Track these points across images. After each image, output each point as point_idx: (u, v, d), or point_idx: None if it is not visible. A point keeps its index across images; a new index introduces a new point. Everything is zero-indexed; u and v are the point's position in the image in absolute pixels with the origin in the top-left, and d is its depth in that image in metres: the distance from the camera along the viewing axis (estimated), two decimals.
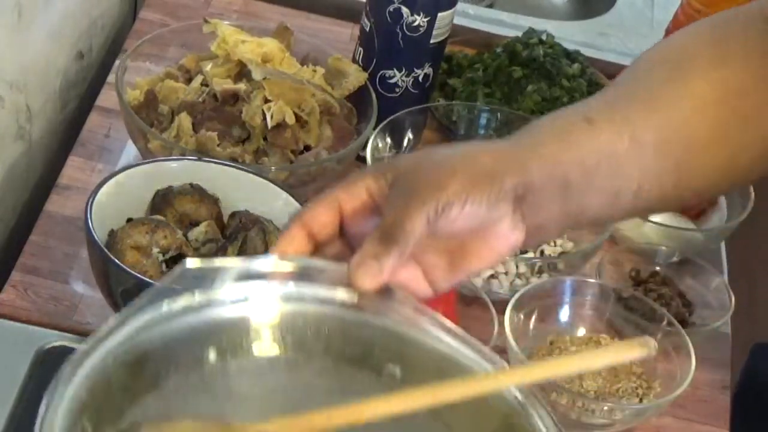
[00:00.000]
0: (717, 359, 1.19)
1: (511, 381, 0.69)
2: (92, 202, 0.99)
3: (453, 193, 0.70)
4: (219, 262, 0.69)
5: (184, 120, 1.14)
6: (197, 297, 0.67)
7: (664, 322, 1.12)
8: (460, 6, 1.27)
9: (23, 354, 0.98)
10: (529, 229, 0.74)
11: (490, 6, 1.72)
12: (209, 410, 0.67)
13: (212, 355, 0.68)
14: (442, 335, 0.71)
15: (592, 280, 1.16)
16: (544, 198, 0.74)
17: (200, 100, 1.17)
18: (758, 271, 2.51)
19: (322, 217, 0.72)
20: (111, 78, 1.29)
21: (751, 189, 1.29)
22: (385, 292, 0.70)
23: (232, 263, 0.69)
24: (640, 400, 1.08)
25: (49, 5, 1.21)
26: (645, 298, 1.15)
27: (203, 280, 0.67)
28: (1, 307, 1.05)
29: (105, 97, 1.29)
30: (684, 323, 1.15)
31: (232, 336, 0.68)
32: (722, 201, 1.31)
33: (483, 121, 1.32)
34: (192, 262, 0.66)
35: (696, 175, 0.80)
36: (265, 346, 0.70)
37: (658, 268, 1.23)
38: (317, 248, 0.72)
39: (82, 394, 0.60)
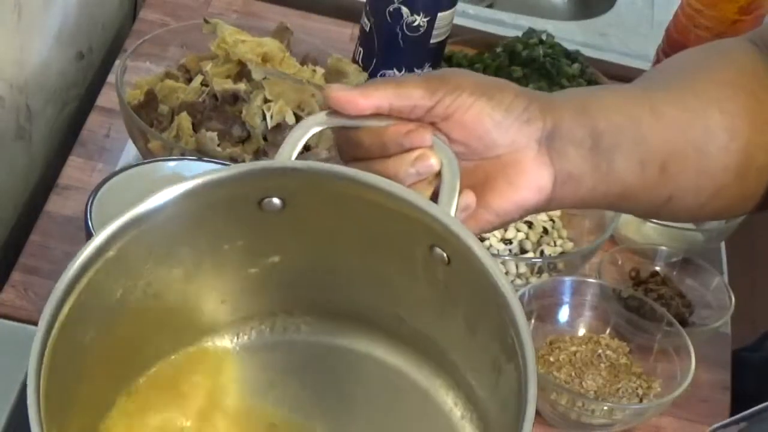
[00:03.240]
0: (717, 359, 1.19)
1: None
2: (92, 202, 0.99)
3: (470, 84, 0.70)
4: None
5: (184, 120, 1.14)
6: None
7: (664, 322, 1.12)
8: (460, 6, 1.27)
9: (23, 354, 0.98)
10: (558, 175, 0.73)
11: (490, 6, 1.72)
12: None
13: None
14: None
15: (592, 280, 1.16)
16: (573, 143, 0.73)
17: (200, 100, 1.17)
18: (758, 271, 2.51)
19: (369, 102, 0.70)
20: (111, 78, 1.29)
21: None
22: None
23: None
24: (640, 400, 1.08)
25: (49, 5, 1.21)
26: (645, 298, 1.15)
27: None
28: (1, 307, 1.05)
29: (105, 97, 1.29)
30: (684, 323, 1.15)
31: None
32: None
33: None
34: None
35: (712, 176, 0.79)
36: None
37: (658, 268, 1.23)
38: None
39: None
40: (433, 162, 0.69)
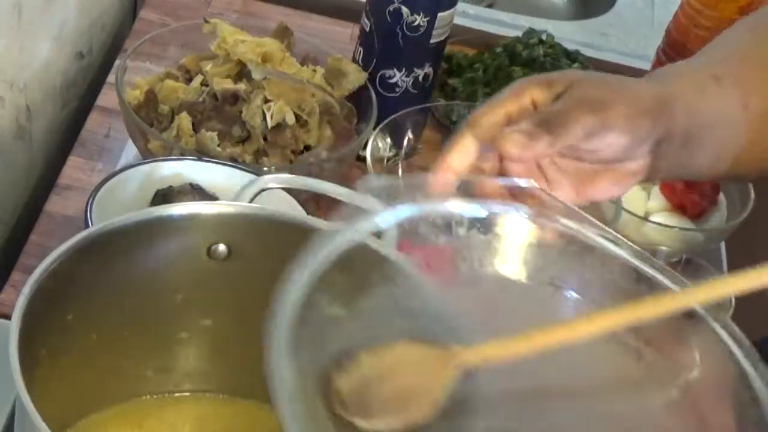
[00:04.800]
0: None
1: (697, 298, 0.68)
2: (92, 202, 0.98)
3: (616, 116, 0.71)
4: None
5: (184, 120, 1.14)
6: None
7: None
8: (460, 6, 1.27)
9: None
10: (651, 172, 0.75)
11: (490, 6, 1.72)
12: (405, 332, 0.65)
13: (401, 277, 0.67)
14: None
15: None
16: (673, 146, 0.74)
17: (200, 100, 1.17)
18: None
19: (490, 124, 0.72)
20: (111, 78, 1.29)
21: (751, 189, 1.29)
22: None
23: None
24: None
25: (49, 5, 1.21)
26: None
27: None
28: (1, 307, 1.05)
29: (105, 97, 1.29)
30: None
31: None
32: (722, 201, 1.31)
33: None
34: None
35: None
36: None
37: None
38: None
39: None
40: None
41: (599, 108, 0.71)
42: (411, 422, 0.61)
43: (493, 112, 0.72)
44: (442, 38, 1.24)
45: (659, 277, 0.70)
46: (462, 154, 0.72)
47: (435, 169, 0.72)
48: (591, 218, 0.71)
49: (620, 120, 0.71)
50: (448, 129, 1.31)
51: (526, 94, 0.73)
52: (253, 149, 1.15)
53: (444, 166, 0.72)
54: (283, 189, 1.06)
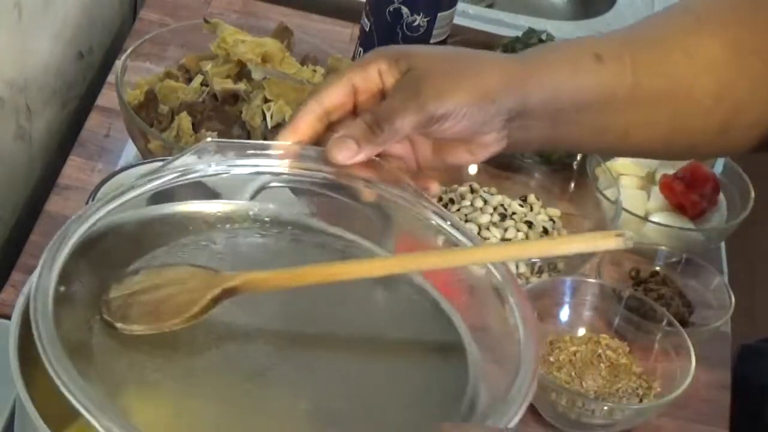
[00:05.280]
0: (717, 359, 1.19)
1: (485, 256, 0.72)
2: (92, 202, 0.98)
3: (453, 104, 0.73)
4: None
5: (184, 120, 1.14)
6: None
7: (664, 322, 1.12)
8: (460, 6, 1.27)
9: None
10: (510, 144, 0.77)
11: (490, 6, 1.72)
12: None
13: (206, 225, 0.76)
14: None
15: (592, 280, 1.16)
16: (534, 122, 0.77)
17: (200, 100, 1.17)
18: (758, 271, 2.51)
19: (337, 97, 0.75)
20: (111, 78, 1.29)
21: (751, 189, 1.29)
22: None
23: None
24: (640, 400, 1.08)
25: (49, 5, 1.21)
26: (645, 298, 1.15)
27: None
28: (1, 307, 1.05)
29: (105, 97, 1.29)
30: (684, 323, 1.15)
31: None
32: (722, 201, 1.31)
33: None
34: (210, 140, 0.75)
35: (689, 132, 0.80)
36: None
37: (658, 268, 1.23)
38: (330, 126, 0.76)
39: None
40: None
41: (435, 97, 0.73)
42: (159, 328, 0.68)
43: (339, 82, 0.76)
44: (442, 38, 1.24)
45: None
46: (306, 123, 0.75)
47: (279, 136, 0.75)
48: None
49: (456, 107, 0.73)
50: None
51: (373, 65, 0.76)
52: None
53: (286, 136, 0.75)
54: (286, 187, 1.05)
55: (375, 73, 0.76)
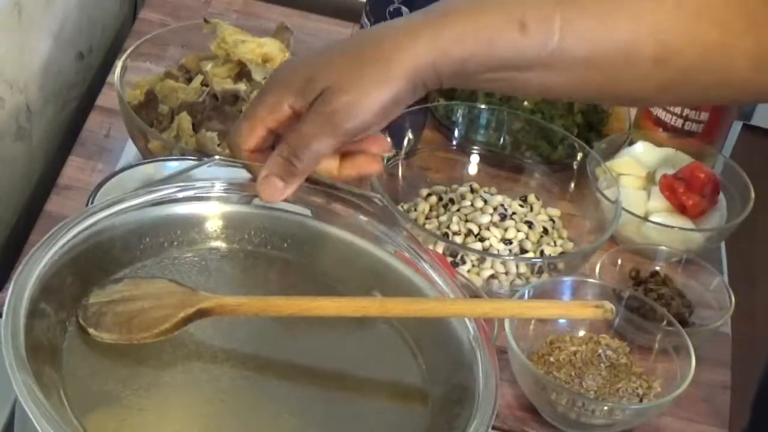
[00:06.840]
0: (717, 359, 1.19)
1: (460, 310, 0.74)
2: (92, 202, 0.98)
3: (369, 115, 0.74)
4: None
5: (184, 120, 1.14)
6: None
7: (664, 322, 1.12)
8: None
9: None
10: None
11: None
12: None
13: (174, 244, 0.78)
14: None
15: (592, 280, 1.16)
16: (439, 84, 0.76)
17: (200, 100, 1.17)
18: (758, 271, 2.51)
19: (254, 141, 0.76)
20: (111, 78, 1.29)
21: (751, 189, 1.29)
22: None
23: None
24: (641, 400, 1.08)
25: (49, 5, 1.21)
26: (645, 298, 1.15)
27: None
28: (1, 307, 1.05)
29: (105, 97, 1.29)
30: (684, 323, 1.15)
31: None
32: (722, 201, 1.31)
33: (483, 121, 1.32)
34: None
35: (624, 89, 0.78)
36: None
37: (658, 268, 1.23)
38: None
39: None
40: None
41: (348, 112, 0.73)
42: (128, 340, 0.70)
43: (252, 128, 0.76)
44: None
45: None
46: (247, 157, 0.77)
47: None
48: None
49: (373, 115, 0.74)
50: (448, 129, 1.32)
51: (284, 105, 0.75)
52: None
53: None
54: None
55: (286, 109, 0.75)
